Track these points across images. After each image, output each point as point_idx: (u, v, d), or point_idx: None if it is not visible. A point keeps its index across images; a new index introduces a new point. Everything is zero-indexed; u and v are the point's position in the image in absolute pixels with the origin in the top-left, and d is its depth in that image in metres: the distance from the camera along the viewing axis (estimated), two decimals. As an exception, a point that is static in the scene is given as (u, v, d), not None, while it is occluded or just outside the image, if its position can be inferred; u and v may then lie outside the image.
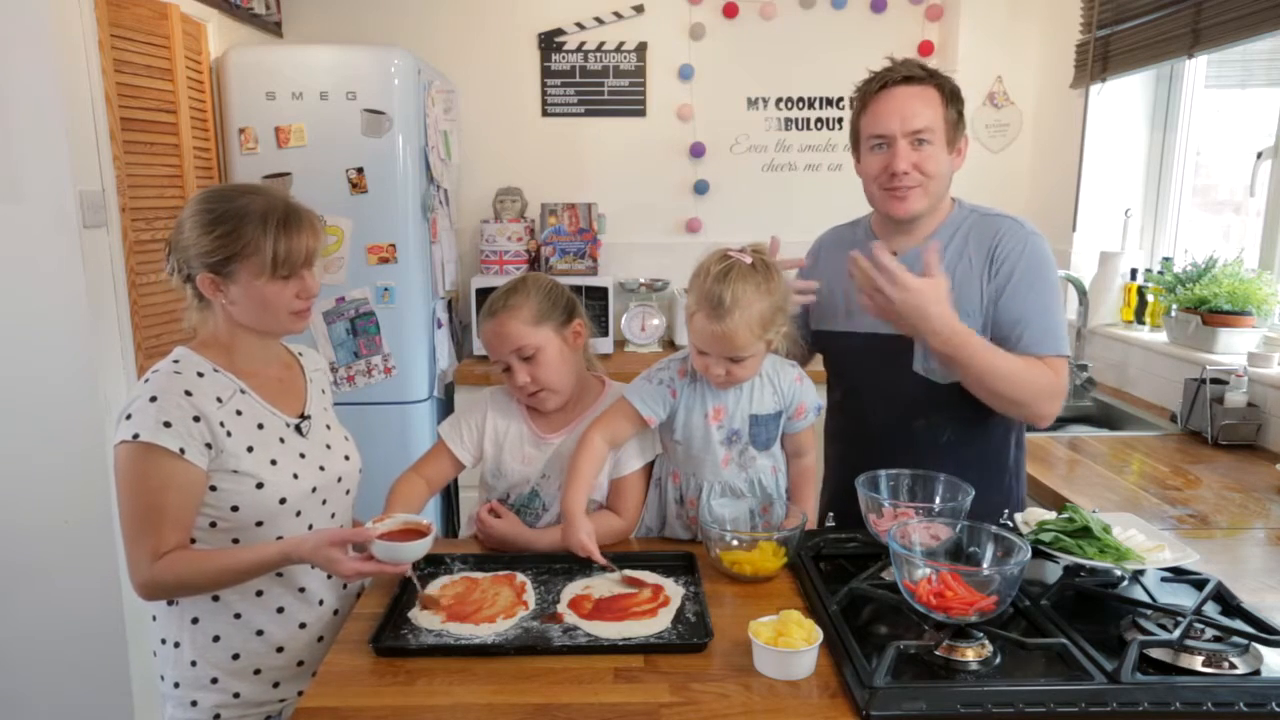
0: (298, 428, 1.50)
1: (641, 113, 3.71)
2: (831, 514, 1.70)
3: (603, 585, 1.46)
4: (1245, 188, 2.68)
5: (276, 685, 1.48)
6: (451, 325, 3.40)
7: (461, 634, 1.30)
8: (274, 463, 1.43)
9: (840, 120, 3.72)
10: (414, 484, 1.68)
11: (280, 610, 1.47)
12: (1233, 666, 1.15)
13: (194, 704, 1.45)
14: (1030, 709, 1.08)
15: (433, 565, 1.50)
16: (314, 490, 1.48)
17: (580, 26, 3.63)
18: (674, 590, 1.43)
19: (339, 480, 1.54)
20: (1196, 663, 1.16)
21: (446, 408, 3.32)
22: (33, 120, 2.11)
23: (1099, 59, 3.10)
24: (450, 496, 3.40)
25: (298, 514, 1.45)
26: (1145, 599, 1.34)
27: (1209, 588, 1.34)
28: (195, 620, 1.43)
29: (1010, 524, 1.50)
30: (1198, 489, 2.05)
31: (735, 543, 1.50)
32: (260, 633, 1.45)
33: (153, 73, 2.50)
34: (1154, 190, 3.20)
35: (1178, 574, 1.41)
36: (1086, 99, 3.17)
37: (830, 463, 1.84)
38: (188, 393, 1.37)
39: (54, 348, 2.19)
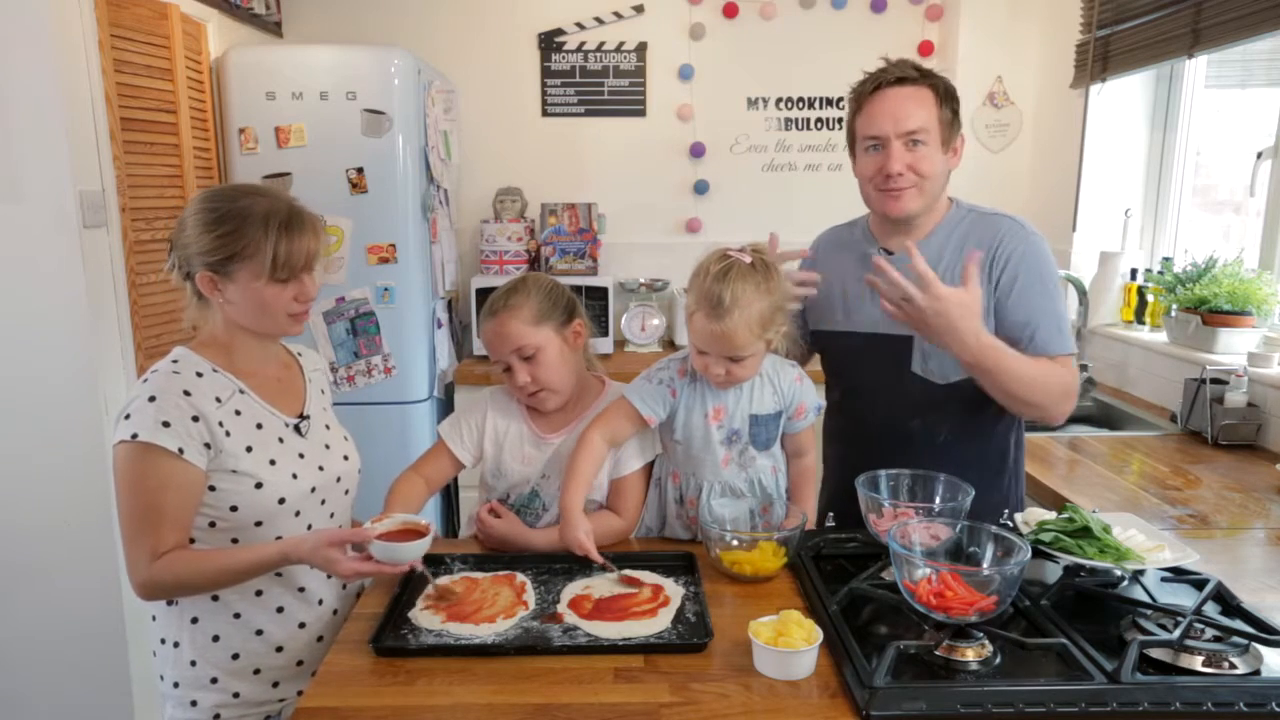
0: (297, 428, 1.50)
1: (641, 113, 3.71)
2: (831, 514, 1.70)
3: (603, 585, 1.46)
4: (1245, 188, 2.68)
5: (276, 685, 1.48)
6: (451, 325, 3.40)
7: (461, 634, 1.30)
8: (273, 463, 1.43)
9: (840, 120, 3.72)
10: (414, 484, 1.68)
11: (280, 610, 1.47)
12: (1233, 666, 1.15)
13: (194, 704, 1.45)
14: (1030, 709, 1.08)
15: (433, 565, 1.50)
16: (313, 490, 1.48)
17: (580, 26, 3.63)
18: (674, 590, 1.43)
19: (338, 480, 1.54)
20: (1196, 663, 1.16)
21: (446, 408, 3.32)
22: (33, 120, 2.11)
23: (1099, 59, 3.10)
24: (450, 496, 3.40)
25: (297, 514, 1.45)
26: (1145, 599, 1.34)
27: (1209, 588, 1.34)
28: (195, 620, 1.43)
29: (1010, 524, 1.50)
30: (1198, 489, 2.05)
31: (735, 543, 1.50)
32: (260, 632, 1.45)
33: (153, 73, 2.50)
34: (1154, 190, 3.20)
35: (1178, 574, 1.41)
36: (1086, 99, 3.17)
37: (828, 463, 1.84)
38: (186, 393, 1.36)
39: (54, 348, 2.19)
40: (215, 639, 1.44)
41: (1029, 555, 1.23)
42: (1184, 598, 1.33)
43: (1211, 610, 1.30)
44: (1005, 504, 1.69)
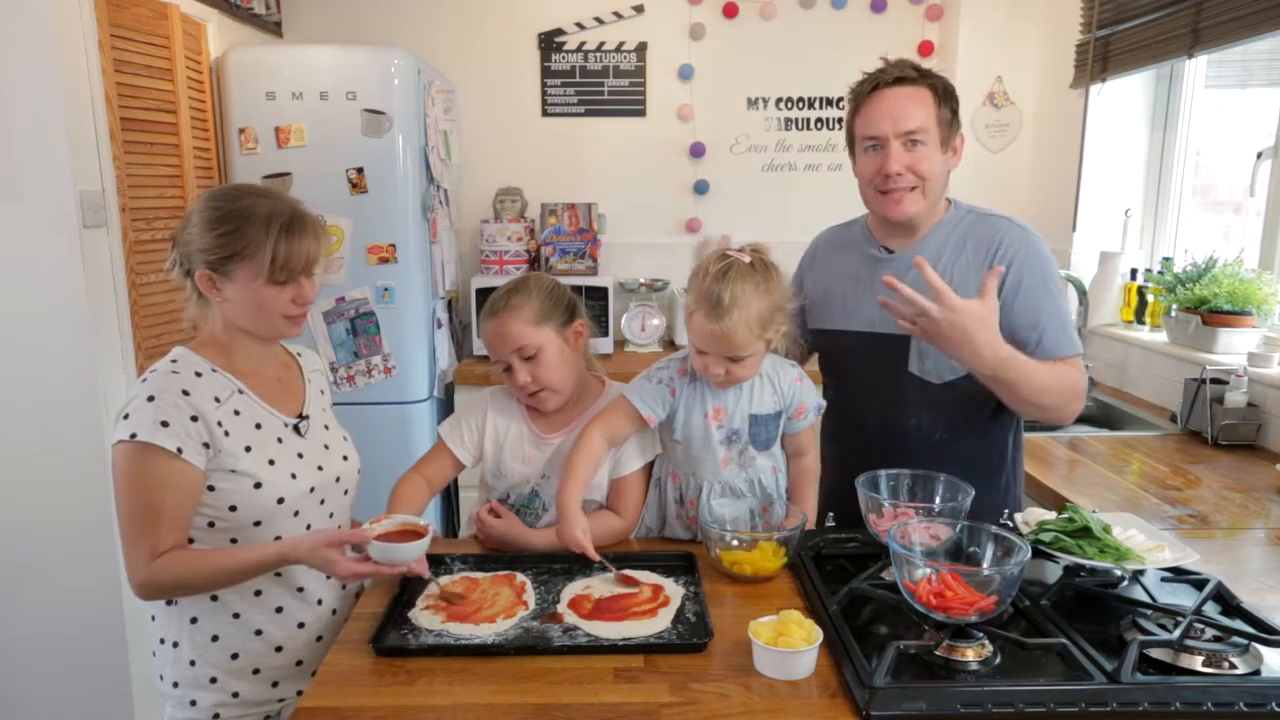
0: (296, 428, 1.50)
1: (641, 113, 3.71)
2: (831, 514, 1.70)
3: (603, 585, 1.45)
4: (1245, 188, 2.68)
5: (275, 685, 1.48)
6: (451, 325, 3.40)
7: (461, 634, 1.30)
8: (272, 463, 1.43)
9: (840, 120, 3.71)
10: (415, 484, 1.68)
11: (279, 610, 1.47)
12: (1233, 666, 1.15)
13: (193, 703, 1.45)
14: (1030, 709, 1.08)
15: (433, 565, 1.50)
16: (312, 490, 1.47)
17: (580, 26, 3.63)
18: (674, 590, 1.43)
19: (337, 480, 1.54)
20: (1196, 663, 1.16)
21: (446, 408, 3.32)
22: (33, 120, 2.11)
23: (1099, 59, 3.10)
24: (450, 496, 3.40)
25: (296, 514, 1.45)
26: (1145, 599, 1.34)
27: (1209, 588, 1.34)
28: (194, 620, 1.43)
29: (1010, 524, 1.50)
30: (1198, 489, 2.05)
31: (735, 543, 1.50)
32: (259, 632, 1.45)
33: (153, 73, 2.50)
34: (1154, 190, 3.20)
35: (1178, 574, 1.41)
36: (1086, 99, 3.17)
37: (825, 462, 1.84)
38: (185, 392, 1.37)
39: (54, 348, 2.19)
40: (215, 639, 1.44)
41: (1029, 555, 1.23)
42: (1184, 598, 1.33)
43: (1211, 610, 1.30)
44: (1004, 504, 1.70)
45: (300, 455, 1.48)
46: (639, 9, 3.62)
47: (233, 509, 1.39)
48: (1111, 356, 3.02)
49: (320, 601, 1.51)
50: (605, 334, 3.41)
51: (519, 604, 1.39)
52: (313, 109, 2.89)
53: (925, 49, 3.64)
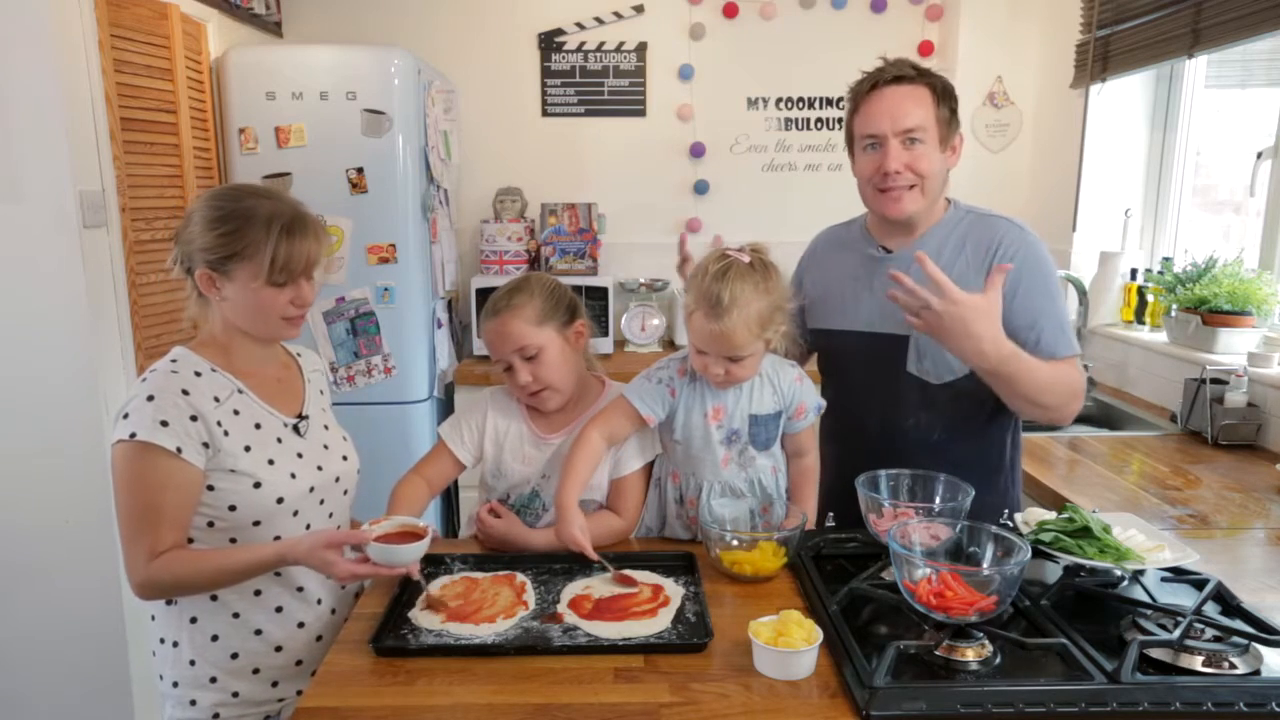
0: (295, 428, 1.50)
1: (641, 113, 3.71)
2: (831, 514, 1.70)
3: (603, 585, 1.45)
4: (1245, 188, 2.68)
5: (275, 684, 1.48)
6: (451, 325, 3.40)
7: (461, 634, 1.30)
8: (271, 462, 1.43)
9: (840, 120, 3.71)
10: (416, 485, 1.68)
11: (279, 609, 1.47)
12: (1233, 666, 1.15)
13: (193, 703, 1.45)
14: (1030, 709, 1.08)
15: (433, 565, 1.50)
16: (311, 490, 1.48)
17: (580, 26, 3.63)
18: (674, 590, 1.43)
19: (337, 480, 1.54)
20: (1196, 663, 1.16)
21: (446, 408, 3.32)
22: (33, 120, 2.11)
23: (1099, 59, 3.10)
24: (450, 497, 3.39)
25: (295, 514, 1.45)
26: (1145, 599, 1.34)
27: (1209, 588, 1.34)
28: (194, 620, 1.43)
29: (1010, 524, 1.50)
30: (1198, 489, 2.05)
31: (735, 543, 1.50)
32: (259, 632, 1.45)
33: (153, 73, 2.50)
34: (1154, 190, 3.20)
35: (1178, 574, 1.41)
36: (1086, 99, 3.17)
37: (825, 462, 1.84)
38: (185, 392, 1.37)
39: (54, 348, 2.19)
40: (214, 638, 1.44)
41: (1029, 555, 1.23)
42: (1184, 598, 1.33)
43: (1211, 610, 1.30)
44: (1002, 504, 1.69)
45: (300, 455, 1.48)
46: (639, 9, 3.62)
47: (232, 509, 1.39)
48: (1111, 356, 3.02)
49: (320, 601, 1.51)
50: (605, 334, 3.41)
51: (519, 604, 1.39)
52: (313, 109, 2.89)
53: (925, 49, 3.64)
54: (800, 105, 3.72)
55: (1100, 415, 2.88)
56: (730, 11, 3.61)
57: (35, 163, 2.13)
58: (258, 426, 1.44)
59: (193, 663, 1.44)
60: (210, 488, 1.38)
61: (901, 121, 1.57)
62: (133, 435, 1.32)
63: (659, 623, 1.33)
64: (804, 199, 3.72)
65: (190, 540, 1.39)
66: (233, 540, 1.41)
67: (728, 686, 1.17)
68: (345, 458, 1.58)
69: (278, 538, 1.42)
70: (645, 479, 1.72)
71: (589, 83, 3.67)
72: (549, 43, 3.63)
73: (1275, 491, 2.02)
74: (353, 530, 1.46)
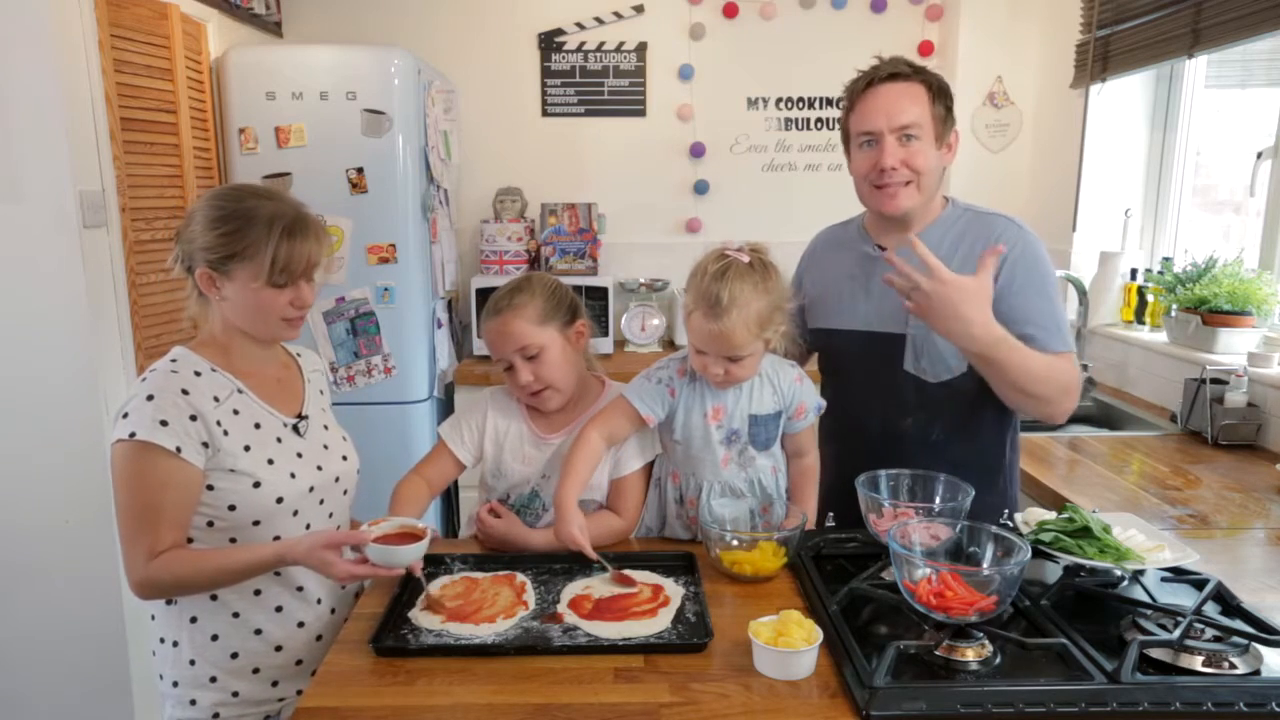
0: (295, 428, 1.50)
1: (641, 113, 3.71)
2: (831, 514, 1.70)
3: (603, 585, 1.45)
4: (1245, 188, 2.68)
5: (275, 684, 1.48)
6: (451, 325, 3.40)
7: (461, 634, 1.30)
8: (271, 462, 1.43)
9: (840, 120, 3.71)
10: (416, 486, 1.68)
11: (279, 609, 1.47)
12: (1233, 666, 1.15)
13: (193, 703, 1.45)
14: (1030, 709, 1.08)
15: (433, 565, 1.50)
16: (311, 490, 1.48)
17: (580, 26, 3.63)
18: (674, 590, 1.43)
19: (336, 480, 1.54)
20: (1196, 663, 1.16)
21: (446, 408, 3.32)
22: (33, 120, 2.11)
23: (1099, 59, 3.10)
24: (450, 497, 3.39)
25: (295, 514, 1.45)
26: (1145, 599, 1.34)
27: (1209, 588, 1.34)
28: (194, 619, 1.43)
29: (1010, 524, 1.50)
30: (1198, 489, 2.05)
31: (735, 543, 1.50)
32: (259, 632, 1.45)
33: (153, 73, 2.50)
34: (1154, 190, 3.20)
35: (1178, 574, 1.41)
36: (1086, 99, 3.17)
37: (824, 462, 1.84)
38: (184, 391, 1.37)
39: (54, 348, 2.19)
40: (214, 638, 1.44)
41: (1029, 555, 1.23)
42: (1184, 598, 1.33)
43: (1211, 610, 1.30)
44: (1001, 504, 1.69)
45: (299, 455, 1.48)
46: (639, 9, 3.62)
47: (232, 508, 1.39)
48: (1111, 356, 3.02)
49: (320, 601, 1.51)
50: (605, 334, 3.41)
51: (519, 604, 1.39)
52: (313, 109, 2.89)
53: (925, 49, 3.64)
54: (800, 105, 3.72)
55: (1100, 415, 2.88)
56: (730, 11, 3.61)
57: (35, 163, 2.13)
58: (257, 426, 1.44)
59: (193, 662, 1.44)
60: (210, 487, 1.38)
61: (897, 118, 1.58)
62: (132, 435, 1.32)
63: (659, 623, 1.33)
64: (804, 199, 3.72)
65: (190, 540, 1.39)
66: (232, 540, 1.41)
67: (728, 686, 1.17)
68: (345, 458, 1.58)
69: (277, 538, 1.42)
70: (645, 479, 1.72)
71: (589, 83, 3.67)
72: (549, 43, 3.63)
73: (1275, 491, 2.02)
74: (352, 531, 1.46)
